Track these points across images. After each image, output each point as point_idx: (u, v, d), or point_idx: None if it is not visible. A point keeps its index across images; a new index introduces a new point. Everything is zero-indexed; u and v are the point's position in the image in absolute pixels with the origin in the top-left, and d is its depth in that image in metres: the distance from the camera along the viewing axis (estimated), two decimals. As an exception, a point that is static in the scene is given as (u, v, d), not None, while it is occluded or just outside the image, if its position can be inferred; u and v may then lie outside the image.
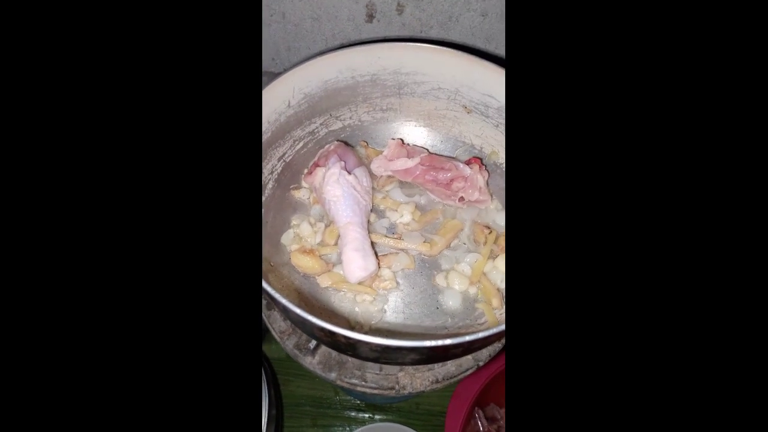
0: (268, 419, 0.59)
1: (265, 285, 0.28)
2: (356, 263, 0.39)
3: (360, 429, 0.74)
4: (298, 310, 0.27)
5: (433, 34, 0.56)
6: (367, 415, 0.76)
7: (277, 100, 0.41)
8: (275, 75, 0.63)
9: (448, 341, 0.26)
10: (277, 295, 0.28)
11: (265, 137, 0.42)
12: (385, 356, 0.30)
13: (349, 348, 0.30)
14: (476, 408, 0.68)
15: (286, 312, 0.30)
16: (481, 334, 0.27)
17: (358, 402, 0.77)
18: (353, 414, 0.76)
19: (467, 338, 0.26)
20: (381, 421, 0.76)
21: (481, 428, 0.68)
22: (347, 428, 0.75)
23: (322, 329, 0.27)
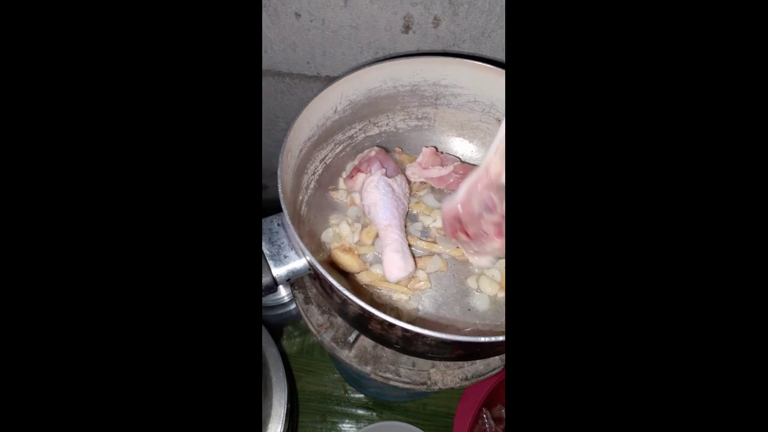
0: (285, 412, 0.61)
1: (329, 278, 0.30)
2: (397, 264, 0.41)
3: (368, 426, 0.76)
4: (360, 302, 0.29)
5: (466, 48, 0.58)
6: (375, 414, 0.78)
7: (327, 105, 0.44)
8: (308, 78, 0.66)
9: (501, 338, 0.28)
10: (339, 287, 0.30)
11: (312, 141, 0.44)
12: (433, 350, 0.32)
13: (402, 341, 0.32)
14: (484, 409, 0.70)
15: (344, 304, 0.32)
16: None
17: (367, 400, 0.79)
18: (361, 412, 0.78)
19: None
20: (388, 419, 0.77)
21: (488, 429, 0.70)
22: (355, 425, 0.77)
23: (382, 321, 0.29)
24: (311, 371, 0.80)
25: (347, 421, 0.78)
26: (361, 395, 0.79)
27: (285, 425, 0.59)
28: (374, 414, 0.79)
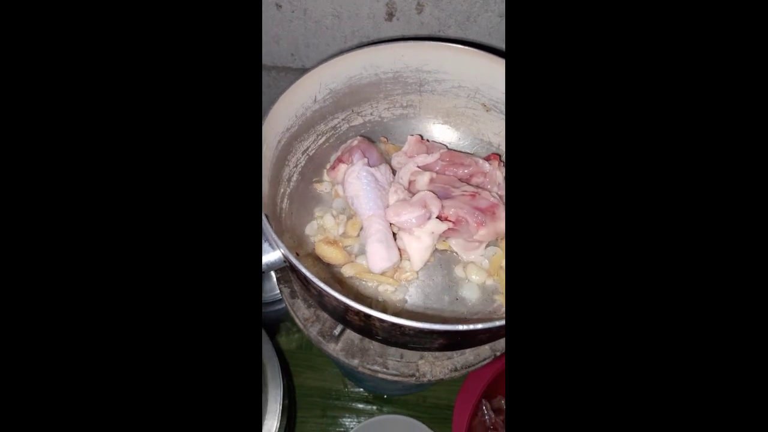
0: (281, 409, 0.60)
1: (303, 270, 0.30)
2: (380, 254, 0.40)
3: (368, 420, 0.75)
4: (335, 294, 0.29)
5: (451, 34, 0.57)
6: (375, 407, 0.78)
7: (305, 94, 0.43)
8: (294, 70, 0.65)
9: (479, 326, 0.27)
10: (314, 279, 0.29)
11: (291, 131, 0.44)
12: (414, 340, 0.32)
13: (381, 331, 0.31)
14: (483, 400, 0.69)
15: (321, 296, 0.31)
16: (508, 320, 0.28)
17: (367, 394, 0.79)
18: (361, 406, 0.78)
19: (497, 323, 0.28)
20: (389, 413, 0.77)
21: (487, 420, 0.70)
22: (356, 419, 0.77)
23: (358, 312, 0.29)
24: (310, 366, 0.80)
25: (347, 415, 0.78)
26: (361, 389, 0.79)
27: (281, 421, 0.58)
28: (374, 408, 0.79)
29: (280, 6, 0.56)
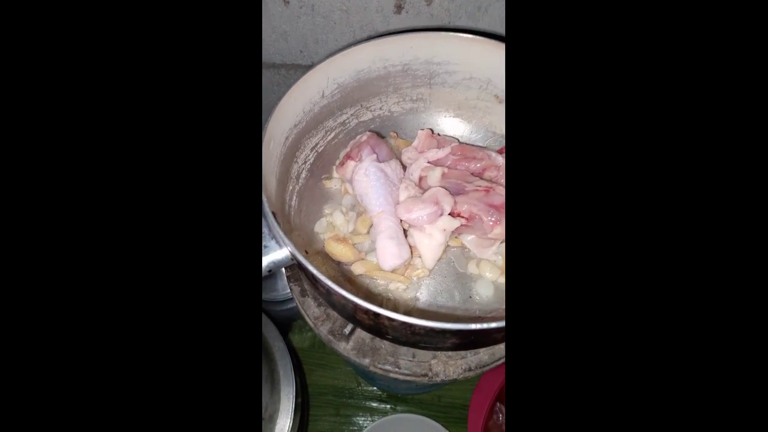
0: (294, 408, 0.60)
1: (311, 268, 0.29)
2: (390, 251, 0.39)
3: (382, 419, 0.75)
4: (343, 292, 0.28)
5: (461, 25, 0.56)
6: (388, 406, 0.77)
7: (312, 90, 0.42)
8: (303, 67, 0.64)
9: (493, 325, 0.26)
10: (322, 277, 0.29)
11: (299, 128, 0.43)
12: (426, 340, 0.31)
13: (391, 330, 0.30)
14: (497, 403, 0.68)
15: (329, 295, 0.31)
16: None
17: (380, 393, 0.78)
18: (375, 405, 0.77)
19: (511, 322, 0.27)
20: (403, 412, 0.76)
21: (502, 423, 0.68)
22: (369, 418, 0.76)
23: (367, 311, 0.28)
24: (324, 365, 0.80)
25: (361, 414, 0.77)
26: (374, 388, 0.78)
27: (294, 420, 0.58)
28: (388, 407, 0.78)
29: (288, 2, 0.55)
